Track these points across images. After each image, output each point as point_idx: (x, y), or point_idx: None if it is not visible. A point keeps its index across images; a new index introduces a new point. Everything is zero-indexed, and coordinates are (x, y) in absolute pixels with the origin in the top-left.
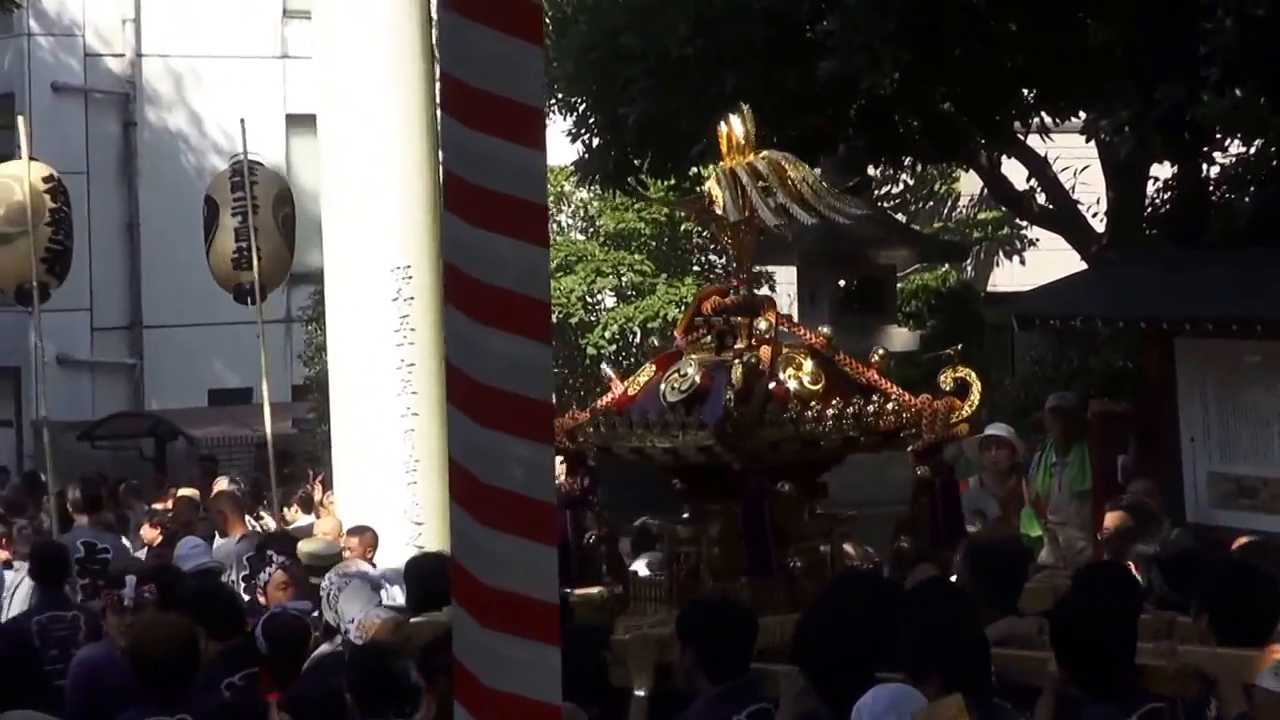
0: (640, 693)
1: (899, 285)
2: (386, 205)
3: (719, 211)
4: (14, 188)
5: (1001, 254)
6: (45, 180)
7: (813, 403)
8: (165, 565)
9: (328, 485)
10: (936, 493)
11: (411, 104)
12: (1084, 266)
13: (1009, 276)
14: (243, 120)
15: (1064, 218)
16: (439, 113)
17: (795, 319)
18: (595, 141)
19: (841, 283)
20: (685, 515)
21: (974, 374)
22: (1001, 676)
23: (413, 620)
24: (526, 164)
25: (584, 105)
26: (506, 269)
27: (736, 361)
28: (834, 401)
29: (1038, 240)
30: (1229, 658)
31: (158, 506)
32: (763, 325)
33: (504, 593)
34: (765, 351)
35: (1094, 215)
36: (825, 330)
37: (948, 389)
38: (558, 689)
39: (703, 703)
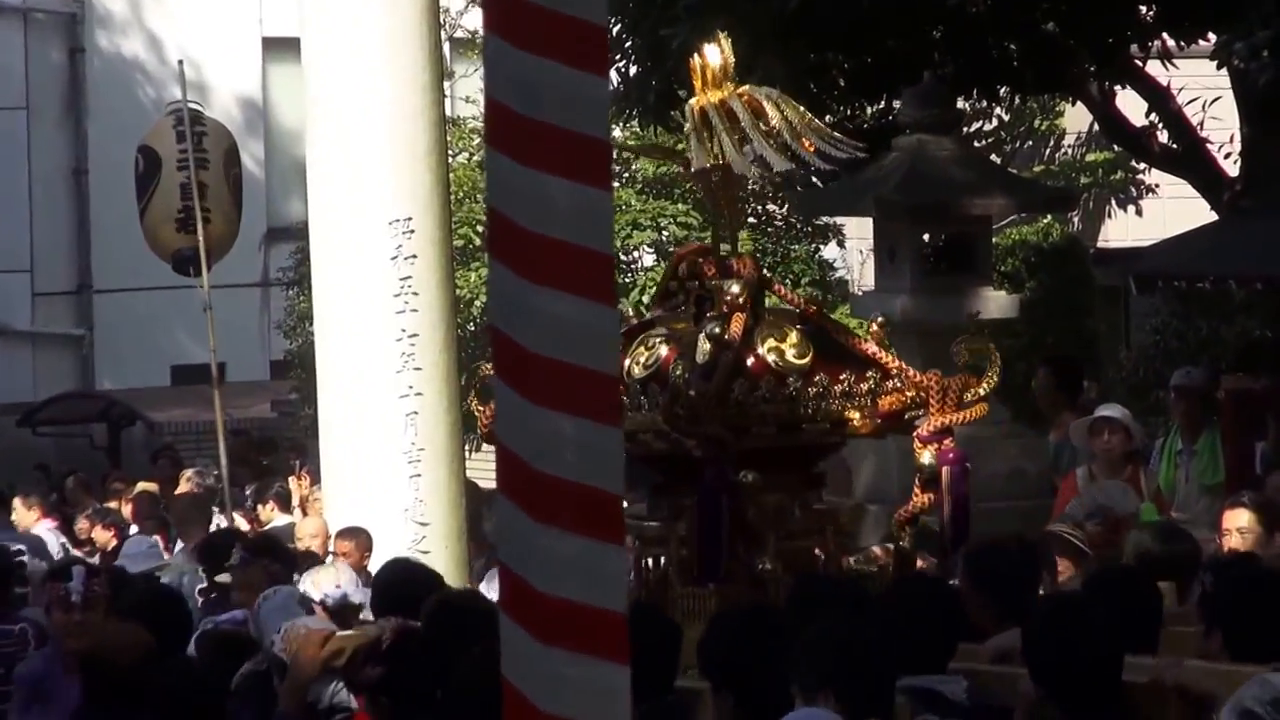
0: None
1: (994, 240)
2: (382, 145)
3: (689, 156)
4: None
5: (1114, 203)
6: None
7: (791, 379)
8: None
9: (315, 478)
10: (944, 485)
11: (410, 23)
12: (1214, 218)
13: (1124, 230)
14: (180, 62)
15: (1190, 160)
16: (483, 32)
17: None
18: (633, 69)
19: (927, 237)
20: (654, 512)
21: (993, 346)
22: (981, 697)
23: (340, 634)
24: (586, 91)
25: (620, 26)
26: (562, 216)
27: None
28: (816, 379)
29: (1158, 186)
30: (1226, 674)
31: (110, 505)
32: (735, 289)
33: (564, 601)
34: (737, 320)
35: (1226, 156)
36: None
37: (961, 362)
38: (627, 713)
39: None
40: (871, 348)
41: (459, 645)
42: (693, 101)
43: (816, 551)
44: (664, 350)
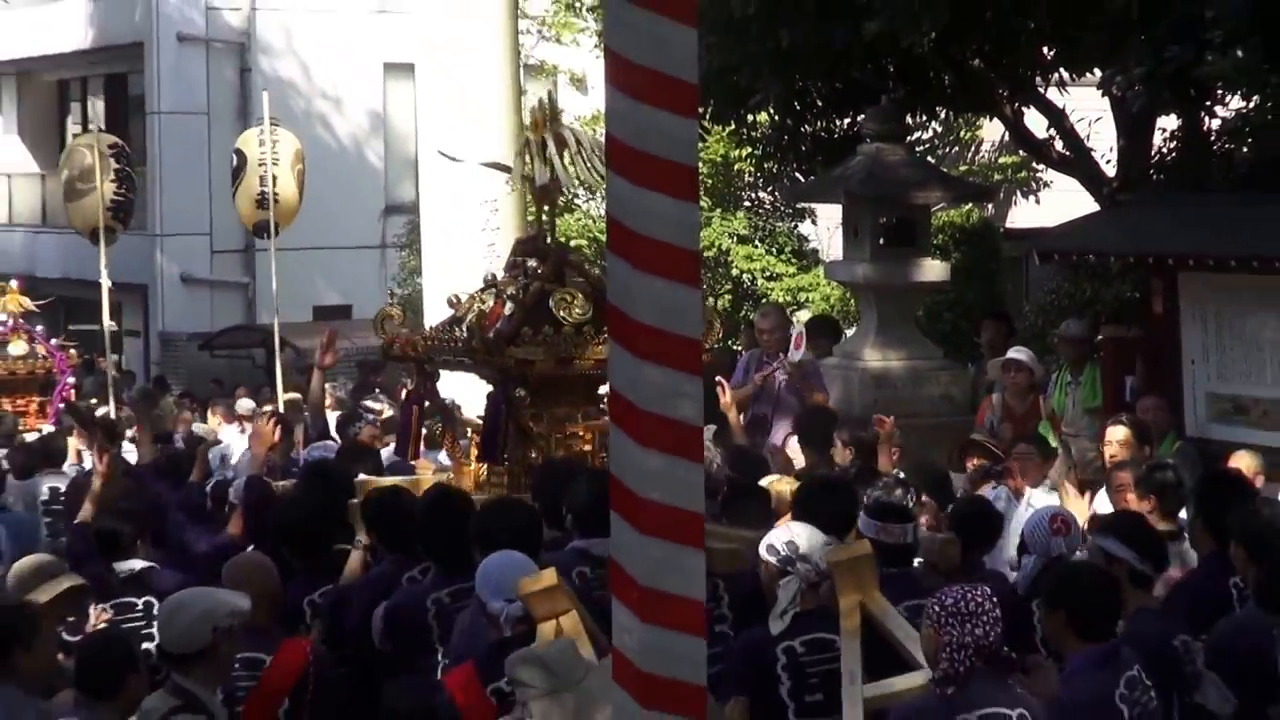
0: None
1: (931, 222)
2: (475, 142)
3: (528, 174)
4: (85, 153)
5: (1019, 195)
6: (111, 147)
7: (564, 329)
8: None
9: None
10: None
11: (498, 57)
12: (1095, 208)
13: (1025, 215)
14: (265, 90)
15: (1079, 164)
16: (605, 84)
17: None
18: None
19: (882, 220)
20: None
21: (716, 313)
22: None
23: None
24: (680, 131)
25: None
26: (662, 222)
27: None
28: (587, 330)
29: (1051, 182)
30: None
31: (268, 408)
32: (534, 265)
33: (653, 502)
34: (535, 288)
35: (1106, 162)
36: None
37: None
38: (702, 589)
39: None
40: None
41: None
42: (531, 134)
43: (586, 447)
44: (491, 303)
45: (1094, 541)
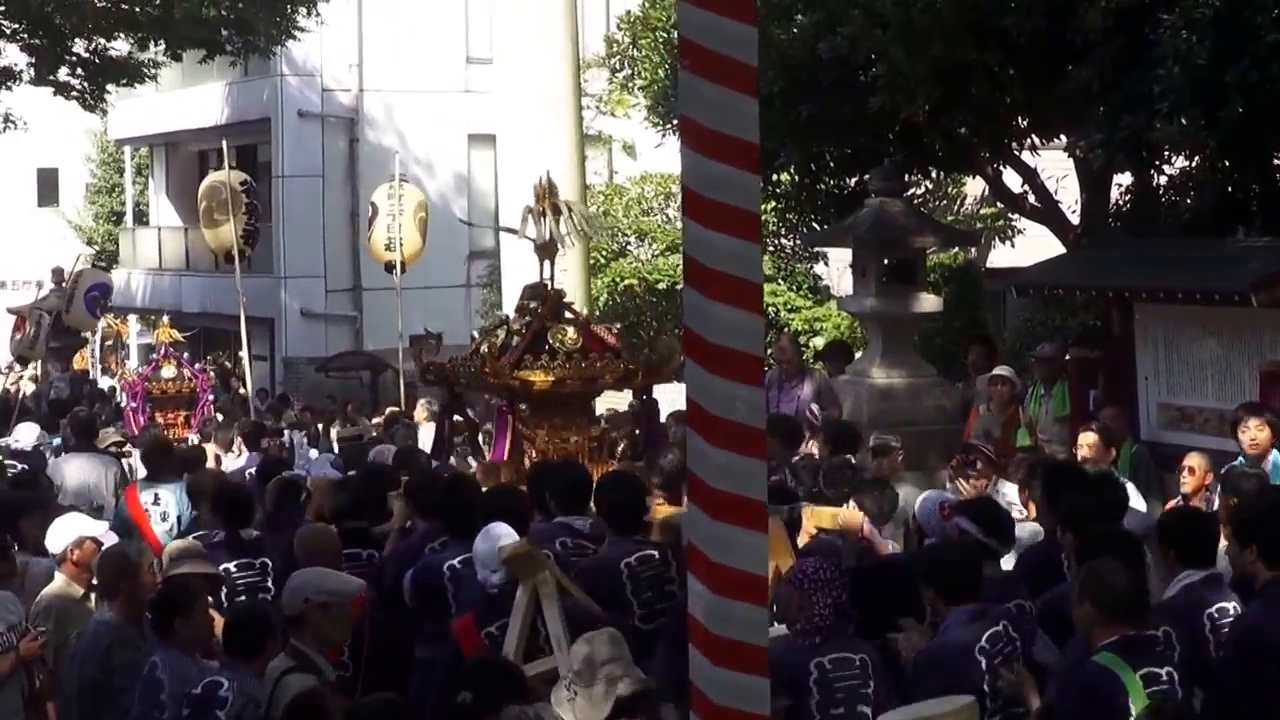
0: None
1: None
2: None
3: (531, 237)
4: (220, 188)
5: (998, 240)
6: (241, 183)
7: (561, 356)
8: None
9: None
10: (643, 419)
11: (564, 129)
12: (1063, 250)
13: (1003, 257)
14: (397, 154)
15: (1049, 213)
16: (681, 146)
17: (850, 288)
18: None
19: (886, 261)
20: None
21: (676, 346)
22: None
23: None
24: (744, 181)
25: None
26: (728, 259)
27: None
28: (575, 356)
29: (1025, 230)
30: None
31: (375, 420)
32: (534, 306)
33: (723, 492)
34: (536, 324)
35: (1072, 212)
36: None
37: (653, 356)
38: (766, 566)
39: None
40: (609, 339)
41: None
42: (535, 205)
43: (576, 452)
44: (503, 336)
45: (953, 521)
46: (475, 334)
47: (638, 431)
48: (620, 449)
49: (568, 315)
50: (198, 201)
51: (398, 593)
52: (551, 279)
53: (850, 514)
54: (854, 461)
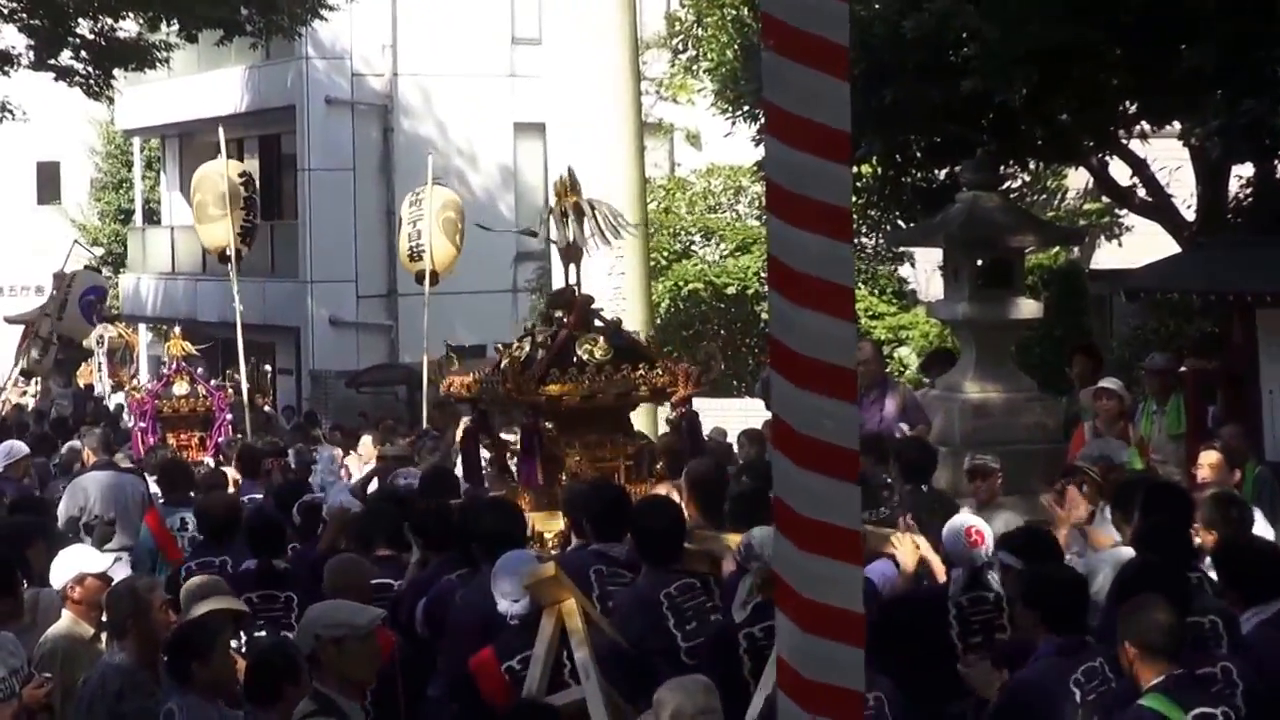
0: None
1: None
2: (601, 196)
3: (554, 237)
4: (217, 180)
5: (1103, 238)
6: (240, 175)
7: (590, 369)
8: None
9: None
10: (684, 431)
11: (621, 116)
12: (1176, 249)
13: (1108, 257)
14: (430, 153)
15: (1161, 209)
16: (765, 134)
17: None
18: None
19: (979, 262)
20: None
21: (716, 353)
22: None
23: None
24: (834, 174)
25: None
26: (817, 260)
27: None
28: (605, 369)
29: (1133, 227)
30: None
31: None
32: (560, 315)
33: (813, 520)
34: (562, 335)
35: (1187, 207)
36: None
37: (696, 363)
38: (859, 599)
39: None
40: (651, 349)
41: None
42: (557, 204)
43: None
44: (527, 349)
45: (982, 548)
46: (498, 347)
47: (678, 448)
48: (659, 467)
49: (598, 324)
50: (190, 194)
51: (412, 624)
52: (579, 284)
53: (902, 538)
54: (924, 489)
